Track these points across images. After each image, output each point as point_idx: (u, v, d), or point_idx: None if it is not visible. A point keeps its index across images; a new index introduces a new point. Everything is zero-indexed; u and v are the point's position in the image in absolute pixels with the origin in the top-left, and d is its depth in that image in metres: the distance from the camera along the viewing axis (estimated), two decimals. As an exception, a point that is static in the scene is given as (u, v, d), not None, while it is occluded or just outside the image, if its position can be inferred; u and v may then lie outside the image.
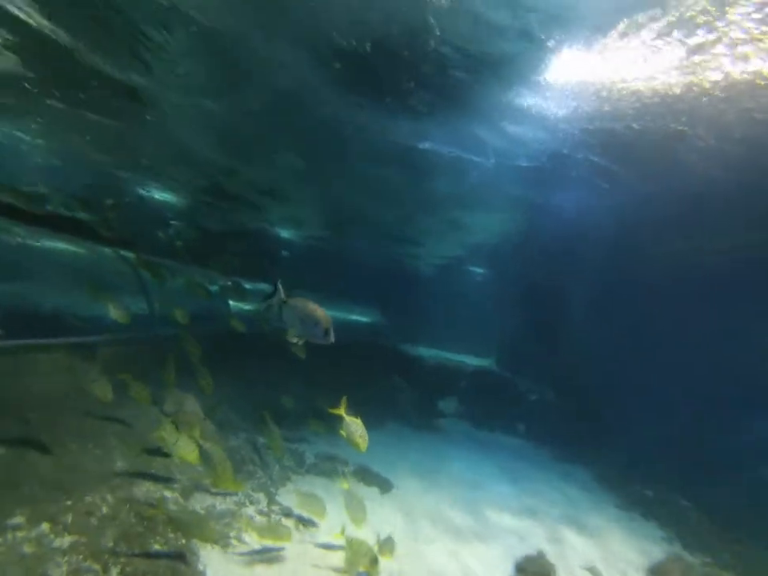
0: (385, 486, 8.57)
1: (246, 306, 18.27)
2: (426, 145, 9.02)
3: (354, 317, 21.93)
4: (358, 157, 10.59)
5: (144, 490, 5.23)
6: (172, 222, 15.63)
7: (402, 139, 8.96)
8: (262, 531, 5.78)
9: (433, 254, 21.05)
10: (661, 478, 10.93)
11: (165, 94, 8.92)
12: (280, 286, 4.29)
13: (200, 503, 5.92)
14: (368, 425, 12.48)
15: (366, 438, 5.60)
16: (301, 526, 6.42)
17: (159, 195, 16.87)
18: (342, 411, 5.55)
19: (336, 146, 10.19)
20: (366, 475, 8.85)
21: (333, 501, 7.19)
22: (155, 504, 5.06)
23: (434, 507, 8.03)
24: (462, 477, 9.97)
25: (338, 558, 5.74)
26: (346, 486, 7.72)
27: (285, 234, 22.50)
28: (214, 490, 6.53)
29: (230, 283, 13.19)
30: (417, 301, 25.49)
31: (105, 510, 4.73)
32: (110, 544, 4.35)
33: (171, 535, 4.67)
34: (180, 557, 4.63)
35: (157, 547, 4.57)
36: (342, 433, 5.51)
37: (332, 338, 4.80)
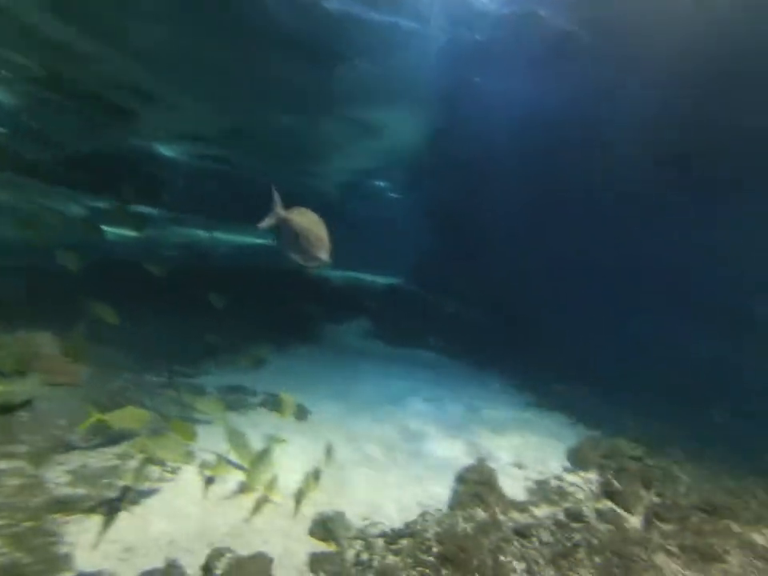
0: (300, 413, 7.87)
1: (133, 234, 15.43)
2: (338, 4, 6.95)
3: (255, 240, 20.06)
4: (248, 33, 8.24)
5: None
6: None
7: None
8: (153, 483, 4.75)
9: (339, 169, 19.28)
10: (569, 374, 11.82)
11: None
12: (276, 195, 3.05)
13: (63, 466, 4.62)
14: (277, 351, 11.57)
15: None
16: (209, 470, 5.47)
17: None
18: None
19: (220, 14, 7.76)
20: (277, 404, 8.04)
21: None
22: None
23: (354, 430, 7.57)
24: (379, 394, 9.68)
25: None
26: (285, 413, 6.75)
27: (167, 151, 19.03)
28: (84, 444, 5.25)
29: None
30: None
31: None
32: None
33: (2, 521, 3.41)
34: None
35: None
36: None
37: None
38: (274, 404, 8.05)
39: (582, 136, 11.51)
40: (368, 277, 19.50)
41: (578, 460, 6.53)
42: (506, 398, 10.85)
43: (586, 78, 8.38)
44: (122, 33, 8.78)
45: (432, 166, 16.75)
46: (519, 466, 6.92)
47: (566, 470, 6.63)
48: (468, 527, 4.36)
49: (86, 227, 8.70)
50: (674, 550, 4.60)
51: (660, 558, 4.45)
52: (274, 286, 15.27)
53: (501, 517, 4.58)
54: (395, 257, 22.14)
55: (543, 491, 5.61)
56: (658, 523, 5.24)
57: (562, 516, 4.92)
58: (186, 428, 5.54)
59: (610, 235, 14.99)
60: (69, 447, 5.01)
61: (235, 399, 8.03)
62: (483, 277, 16.77)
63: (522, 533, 4.29)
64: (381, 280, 19.31)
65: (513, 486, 5.94)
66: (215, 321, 11.85)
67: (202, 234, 16.21)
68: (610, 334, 14.37)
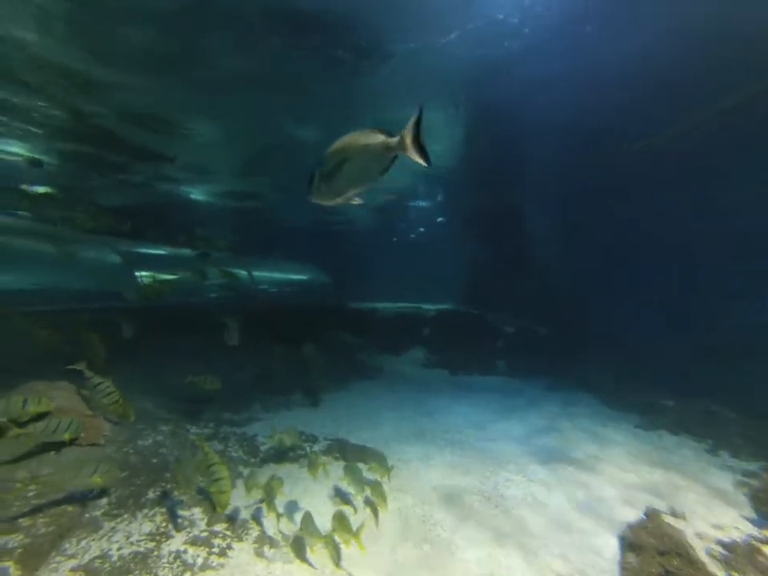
0: (374, 461, 6.33)
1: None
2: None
3: (295, 276, 19.23)
4: (273, 31, 7.14)
5: None
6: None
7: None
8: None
9: (371, 190, 18.14)
10: (670, 384, 9.74)
11: None
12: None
13: (71, 562, 3.31)
14: (330, 389, 10.19)
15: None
16: (269, 547, 4.05)
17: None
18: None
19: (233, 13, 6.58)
20: (344, 450, 6.58)
21: (306, 496, 4.95)
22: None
23: (448, 479, 5.95)
24: (459, 431, 8.00)
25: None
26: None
27: (198, 195, 18.68)
28: (108, 523, 3.95)
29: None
30: (360, 255, 23.13)
31: None
32: None
33: None
34: None
35: None
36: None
37: None
38: (339, 451, 6.59)
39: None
40: (417, 304, 18.10)
41: (775, 507, 4.61)
42: (607, 420, 8.87)
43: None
44: (115, 48, 7.82)
45: (465, 181, 14.84)
46: (675, 514, 5.05)
47: (760, 524, 4.71)
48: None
49: (152, 289, 8.28)
50: None
51: None
52: (323, 321, 14.15)
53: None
54: (443, 280, 20.67)
55: (751, 562, 3.77)
56: None
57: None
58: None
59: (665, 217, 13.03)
60: (84, 529, 3.73)
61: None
62: (536, 286, 14.93)
63: None
64: (431, 306, 17.86)
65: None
66: (265, 361, 10.71)
67: (241, 273, 15.38)
68: (696, 324, 12.03)
